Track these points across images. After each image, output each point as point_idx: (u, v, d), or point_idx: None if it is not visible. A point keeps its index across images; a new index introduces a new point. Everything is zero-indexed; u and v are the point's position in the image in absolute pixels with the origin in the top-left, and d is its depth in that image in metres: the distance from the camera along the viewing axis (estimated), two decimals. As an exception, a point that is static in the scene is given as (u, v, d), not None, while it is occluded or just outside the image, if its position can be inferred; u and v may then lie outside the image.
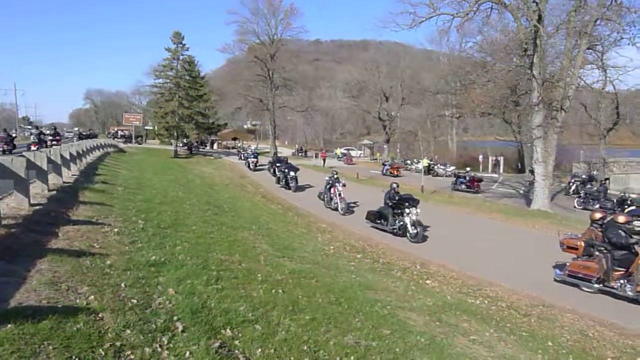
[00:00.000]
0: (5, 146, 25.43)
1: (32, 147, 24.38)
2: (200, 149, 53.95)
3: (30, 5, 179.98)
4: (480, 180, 29.53)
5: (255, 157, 36.32)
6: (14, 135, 32.11)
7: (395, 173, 36.60)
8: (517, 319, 7.93)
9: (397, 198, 15.25)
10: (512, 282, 10.42)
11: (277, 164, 29.24)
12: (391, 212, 15.17)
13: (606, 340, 7.43)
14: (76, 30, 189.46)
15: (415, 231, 14.18)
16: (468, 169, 34.61)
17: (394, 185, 15.77)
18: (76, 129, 75.19)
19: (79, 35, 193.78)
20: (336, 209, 18.67)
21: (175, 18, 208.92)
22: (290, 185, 24.32)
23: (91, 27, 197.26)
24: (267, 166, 33.92)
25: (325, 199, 19.71)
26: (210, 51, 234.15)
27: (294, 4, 61.77)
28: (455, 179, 30.91)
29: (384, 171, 37.78)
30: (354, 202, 19.96)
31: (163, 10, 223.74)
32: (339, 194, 18.64)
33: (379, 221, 15.62)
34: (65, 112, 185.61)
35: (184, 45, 43.39)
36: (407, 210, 14.54)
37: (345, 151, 56.41)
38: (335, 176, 19.46)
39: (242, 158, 41.42)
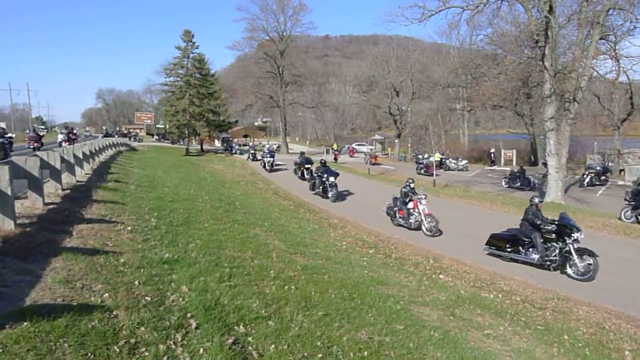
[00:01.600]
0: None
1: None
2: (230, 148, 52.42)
3: (41, 5, 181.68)
4: (433, 166, 31.41)
5: (272, 155, 32.94)
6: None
7: (373, 161, 39.37)
8: (532, 313, 7.86)
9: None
10: (525, 275, 10.35)
11: (306, 166, 25.89)
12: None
13: (623, 333, 7.34)
14: (87, 30, 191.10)
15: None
16: (427, 155, 39.58)
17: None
18: (87, 128, 76.01)
19: (91, 35, 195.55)
20: (418, 229, 14.81)
21: (184, 16, 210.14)
22: (329, 193, 20.41)
23: (101, 27, 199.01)
24: (284, 165, 33.11)
25: (399, 215, 15.55)
26: (220, 49, 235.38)
27: (303, 0, 61.51)
28: (416, 164, 37.05)
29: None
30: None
31: (172, 8, 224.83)
32: (423, 210, 14.79)
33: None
34: (77, 112, 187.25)
35: (194, 43, 43.58)
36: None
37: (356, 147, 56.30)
38: (412, 186, 15.85)
39: (253, 158, 38.95)
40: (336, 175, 21.03)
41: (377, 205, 17.48)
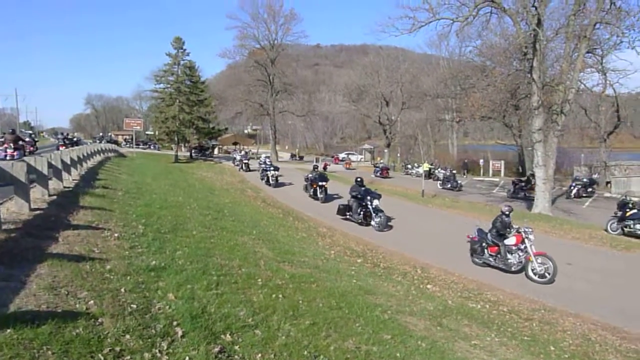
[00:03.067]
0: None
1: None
2: (205, 154, 53.23)
3: (31, 10, 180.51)
4: (388, 169, 35.61)
5: (277, 168, 28.85)
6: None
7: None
8: (519, 323, 7.91)
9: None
10: (512, 286, 10.42)
11: (320, 183, 22.10)
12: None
13: (608, 344, 7.41)
14: (77, 35, 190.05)
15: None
16: (380, 159, 42.94)
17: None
18: (76, 134, 75.47)
19: (80, 40, 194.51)
20: (519, 271, 11.52)
21: (175, 23, 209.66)
22: (375, 220, 16.45)
23: (92, 32, 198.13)
24: (285, 179, 30.83)
25: (489, 252, 12.24)
26: (211, 56, 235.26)
27: (294, 9, 61.86)
28: (374, 168, 40.34)
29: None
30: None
31: (163, 15, 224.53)
32: (531, 248, 11.28)
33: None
34: (66, 117, 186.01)
35: (185, 50, 43.55)
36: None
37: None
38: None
39: (246, 169, 35.83)
40: (379, 197, 17.07)
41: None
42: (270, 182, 27.12)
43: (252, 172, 34.16)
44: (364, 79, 58.42)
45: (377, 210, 16.52)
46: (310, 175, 23.63)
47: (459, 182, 33.12)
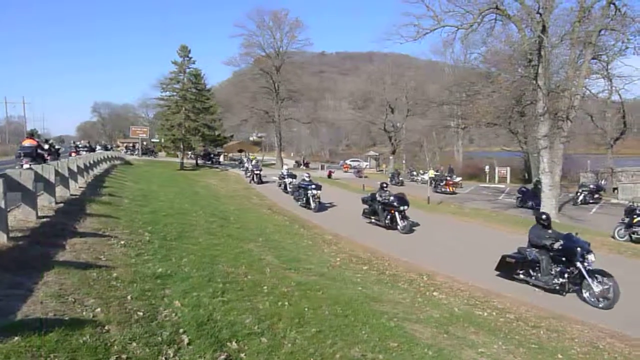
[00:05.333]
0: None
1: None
2: (212, 161, 53.52)
3: (38, 19, 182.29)
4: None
5: (319, 187, 22.36)
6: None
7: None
8: (526, 331, 7.84)
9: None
10: (519, 293, 10.34)
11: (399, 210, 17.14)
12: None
13: (617, 352, 7.32)
14: (83, 44, 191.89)
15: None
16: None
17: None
18: (82, 141, 75.97)
19: (87, 49, 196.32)
20: None
21: (181, 31, 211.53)
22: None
23: (98, 41, 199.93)
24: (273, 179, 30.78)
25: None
26: (217, 64, 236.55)
27: (299, 17, 62.19)
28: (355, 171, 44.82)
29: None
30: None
31: (170, 23, 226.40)
32: None
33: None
34: (73, 125, 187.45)
35: (191, 58, 43.90)
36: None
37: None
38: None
39: (258, 180, 32.01)
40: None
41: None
42: (312, 205, 21.42)
43: (265, 184, 31.62)
44: (369, 86, 58.62)
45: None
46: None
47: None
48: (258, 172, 32.74)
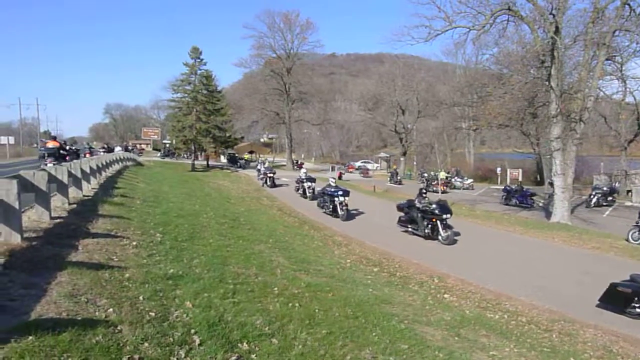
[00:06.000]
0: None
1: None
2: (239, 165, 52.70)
3: (52, 21, 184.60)
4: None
5: (346, 193, 20.02)
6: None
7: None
8: (538, 335, 7.77)
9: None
10: (532, 296, 10.25)
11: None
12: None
13: (631, 356, 7.23)
14: (96, 45, 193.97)
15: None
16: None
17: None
18: (94, 143, 76.79)
19: (99, 50, 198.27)
20: None
21: (192, 33, 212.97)
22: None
23: (110, 42, 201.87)
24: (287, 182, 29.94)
25: None
26: (227, 65, 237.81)
27: (310, 19, 62.32)
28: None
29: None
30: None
31: (181, 25, 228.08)
32: None
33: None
34: (85, 126, 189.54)
35: (202, 60, 44.08)
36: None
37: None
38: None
39: (272, 184, 30.94)
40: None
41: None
42: (340, 213, 19.41)
43: (279, 187, 30.91)
44: (379, 88, 58.45)
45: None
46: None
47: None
48: (271, 175, 31.73)
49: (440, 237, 15.29)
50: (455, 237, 15.84)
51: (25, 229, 6.40)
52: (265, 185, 31.23)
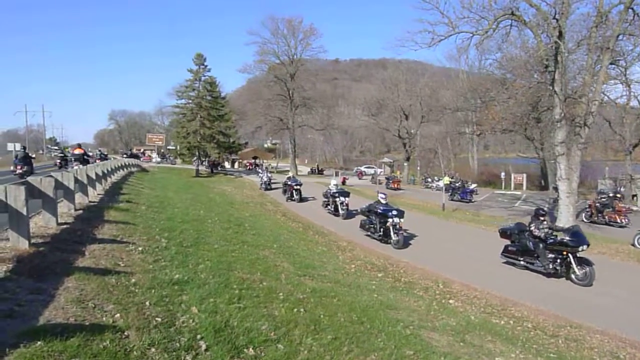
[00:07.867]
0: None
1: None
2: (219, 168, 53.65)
3: (57, 27, 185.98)
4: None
5: (401, 214, 15.91)
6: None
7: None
8: (544, 340, 7.75)
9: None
10: (536, 301, 10.22)
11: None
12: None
13: (638, 362, 7.21)
14: (100, 51, 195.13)
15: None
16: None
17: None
18: (99, 149, 77.23)
19: (103, 56, 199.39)
20: None
21: (196, 39, 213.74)
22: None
23: (114, 48, 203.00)
24: (307, 194, 27.57)
25: None
26: (231, 71, 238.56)
27: (313, 25, 62.51)
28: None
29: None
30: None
31: (185, 31, 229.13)
32: None
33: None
34: (90, 133, 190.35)
35: (206, 66, 44.32)
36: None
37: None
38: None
39: (295, 195, 26.39)
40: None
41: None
42: (393, 237, 15.42)
43: (273, 190, 30.79)
44: (383, 93, 58.52)
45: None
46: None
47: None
48: (298, 187, 26.74)
49: (573, 276, 11.74)
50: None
51: (32, 235, 6.44)
52: (289, 200, 26.47)
